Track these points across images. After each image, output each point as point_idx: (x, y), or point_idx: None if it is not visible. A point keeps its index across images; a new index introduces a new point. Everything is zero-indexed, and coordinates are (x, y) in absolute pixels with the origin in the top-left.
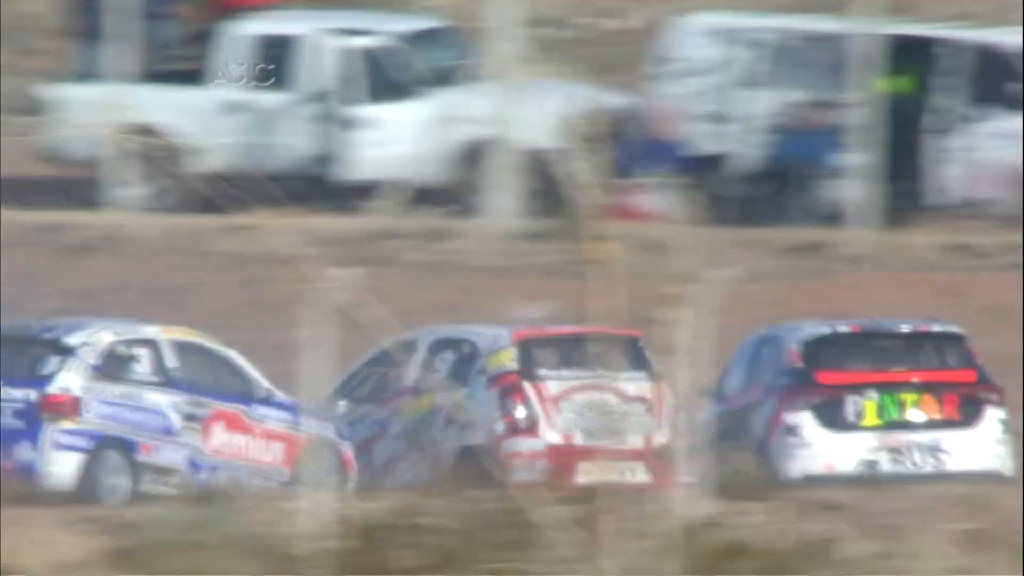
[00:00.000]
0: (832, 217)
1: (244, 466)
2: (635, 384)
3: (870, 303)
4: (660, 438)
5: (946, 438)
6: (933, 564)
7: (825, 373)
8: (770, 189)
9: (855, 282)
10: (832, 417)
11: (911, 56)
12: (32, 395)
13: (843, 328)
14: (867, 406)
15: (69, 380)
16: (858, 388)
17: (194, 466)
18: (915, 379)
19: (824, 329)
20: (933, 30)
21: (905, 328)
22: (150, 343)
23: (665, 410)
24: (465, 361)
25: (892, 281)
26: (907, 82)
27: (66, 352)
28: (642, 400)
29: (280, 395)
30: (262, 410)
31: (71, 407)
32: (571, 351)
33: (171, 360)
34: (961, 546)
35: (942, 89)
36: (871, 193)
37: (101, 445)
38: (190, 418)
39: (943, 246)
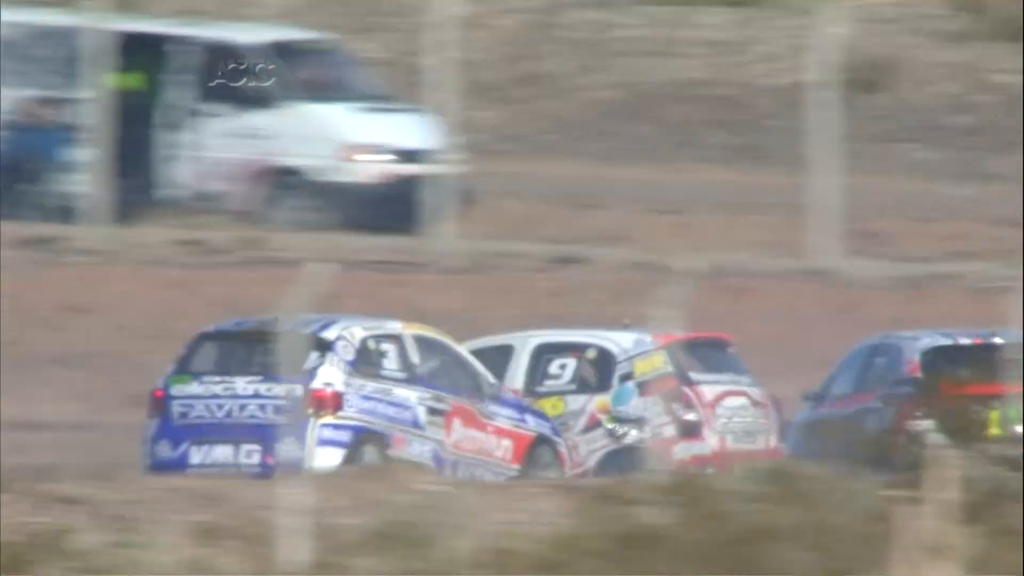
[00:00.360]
0: (64, 212)
1: (479, 461)
2: (753, 389)
3: (104, 296)
4: (773, 440)
5: None
6: (165, 555)
7: (948, 383)
8: (2, 184)
9: (88, 275)
10: (955, 427)
11: (141, 52)
12: (295, 390)
13: (964, 340)
14: (990, 417)
15: (331, 375)
16: (980, 399)
17: (438, 460)
18: None
19: (943, 340)
20: (163, 26)
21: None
22: (396, 338)
23: (772, 414)
24: (595, 365)
25: (125, 275)
26: (137, 78)
27: (325, 347)
28: (763, 404)
29: (506, 392)
30: (492, 406)
31: (334, 402)
32: (696, 353)
33: (414, 355)
34: (194, 537)
35: (173, 85)
36: (102, 188)
37: (360, 439)
38: (433, 413)
39: (175, 241)
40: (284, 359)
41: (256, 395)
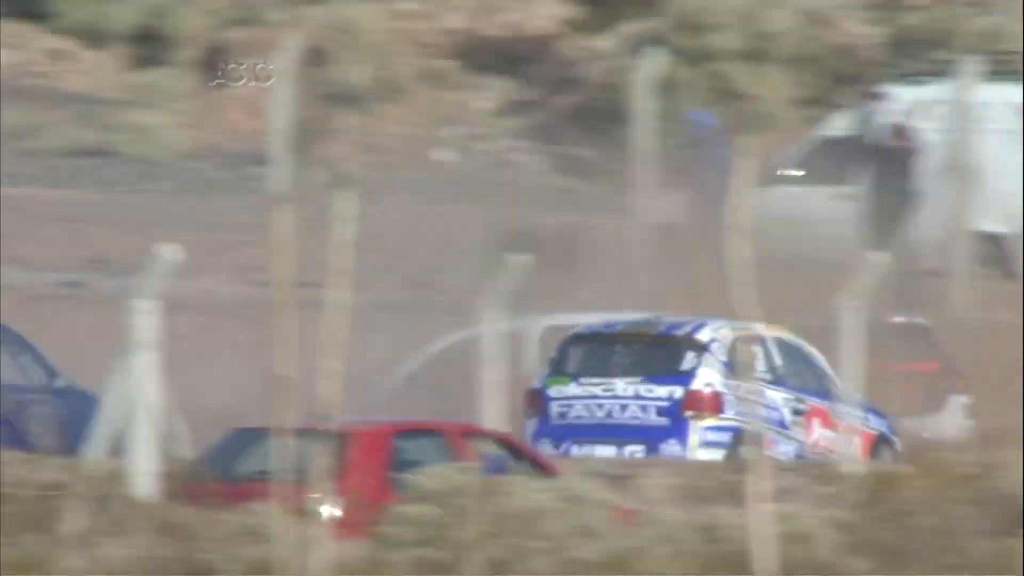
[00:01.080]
0: None
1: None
2: None
3: None
4: None
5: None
6: None
7: None
8: None
9: None
10: None
11: None
12: (676, 392)
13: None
14: None
15: (709, 376)
16: None
17: (800, 460)
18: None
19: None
20: None
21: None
22: (760, 339)
23: None
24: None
25: None
26: None
27: (700, 348)
28: None
29: (852, 392)
30: (841, 406)
31: (714, 403)
32: None
33: (776, 356)
34: None
35: None
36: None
37: (736, 440)
38: (796, 413)
39: None
40: (657, 361)
41: (637, 396)
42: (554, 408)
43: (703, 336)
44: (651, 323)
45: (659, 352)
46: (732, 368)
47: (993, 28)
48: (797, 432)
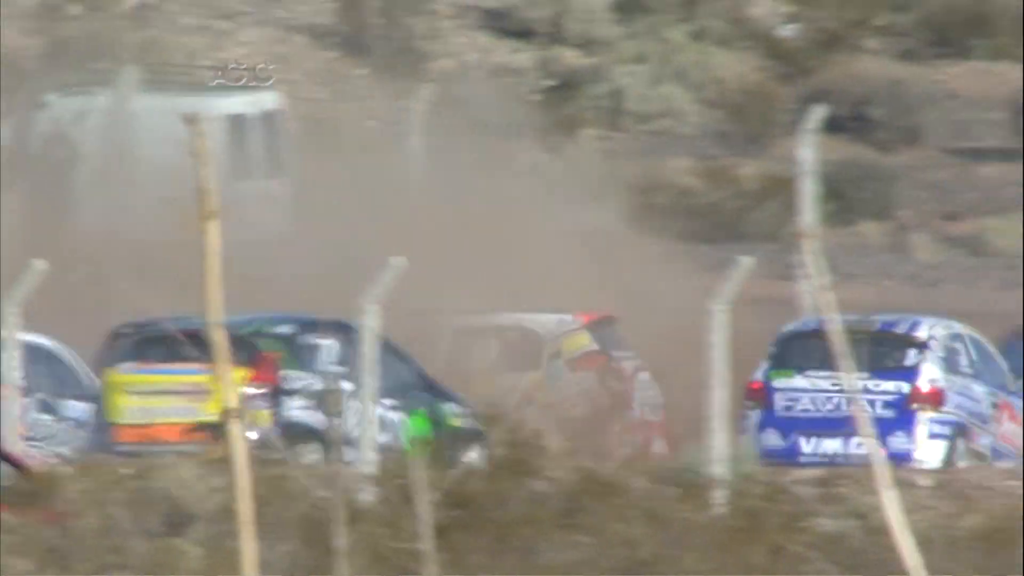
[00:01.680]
0: None
1: (1012, 452)
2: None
3: None
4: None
5: None
6: None
7: None
8: None
9: None
10: None
11: None
12: (903, 387)
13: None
14: None
15: (933, 372)
16: None
17: (995, 452)
18: None
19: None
20: None
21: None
22: (960, 336)
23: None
24: (518, 346)
25: None
26: None
27: (920, 345)
28: (657, 379)
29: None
30: (1017, 401)
31: (938, 398)
32: (602, 332)
33: (974, 353)
34: None
35: None
36: None
37: (955, 433)
38: (992, 407)
39: None
40: (887, 356)
41: (864, 390)
42: (779, 400)
43: (921, 333)
44: (867, 320)
45: (882, 348)
46: (947, 363)
47: (151, 40)
48: (992, 426)
